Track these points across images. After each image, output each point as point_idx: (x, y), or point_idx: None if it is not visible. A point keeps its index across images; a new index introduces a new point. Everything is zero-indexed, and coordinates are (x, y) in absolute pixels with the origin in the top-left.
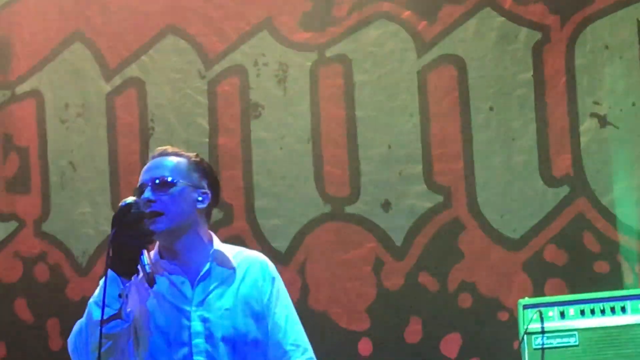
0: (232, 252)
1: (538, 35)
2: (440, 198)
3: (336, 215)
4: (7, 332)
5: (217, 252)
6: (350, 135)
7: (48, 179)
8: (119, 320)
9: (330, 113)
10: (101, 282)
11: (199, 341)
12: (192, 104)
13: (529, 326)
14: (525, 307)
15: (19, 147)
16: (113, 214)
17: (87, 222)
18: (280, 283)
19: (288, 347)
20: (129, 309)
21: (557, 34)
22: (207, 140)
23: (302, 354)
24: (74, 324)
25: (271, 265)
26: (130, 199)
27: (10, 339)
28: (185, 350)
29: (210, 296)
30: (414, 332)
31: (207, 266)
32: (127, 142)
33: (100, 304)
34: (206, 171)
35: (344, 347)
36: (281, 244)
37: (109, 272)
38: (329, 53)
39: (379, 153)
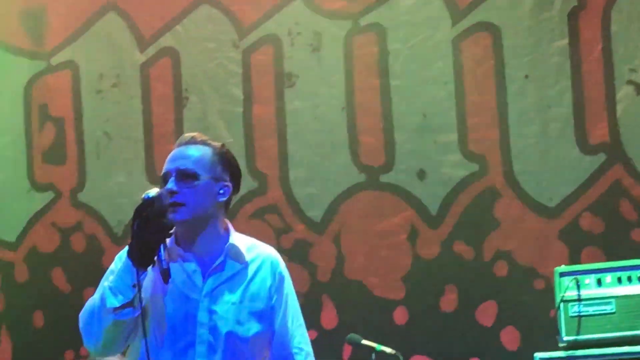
0: (246, 246)
1: (574, 2)
2: (475, 166)
3: (371, 184)
4: (45, 301)
5: (232, 246)
6: (385, 104)
7: (83, 149)
8: (130, 309)
9: (364, 82)
10: (112, 264)
11: (202, 331)
12: (226, 74)
13: (566, 294)
14: (562, 274)
15: (55, 118)
16: (148, 184)
17: (122, 191)
18: (289, 283)
19: (293, 350)
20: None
21: (593, 0)
22: (241, 109)
23: (305, 358)
24: None
25: (282, 264)
26: (154, 191)
27: (48, 308)
28: (188, 338)
29: (220, 289)
30: (449, 300)
31: (221, 259)
32: (161, 111)
33: (115, 290)
34: (230, 163)
35: (379, 315)
36: (316, 213)
37: (127, 261)
38: (363, 22)
39: (414, 122)
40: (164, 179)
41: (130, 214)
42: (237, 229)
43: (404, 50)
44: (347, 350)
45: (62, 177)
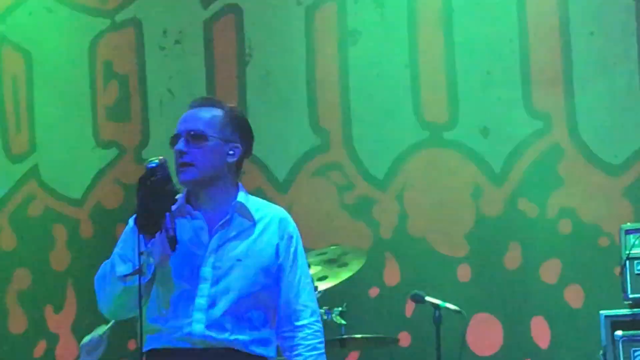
0: (256, 205)
1: None
2: (540, 124)
3: (434, 141)
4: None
5: (240, 204)
6: (449, 61)
7: (147, 106)
8: (138, 276)
9: (428, 38)
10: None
11: (204, 286)
12: (290, 31)
13: (631, 251)
14: (628, 232)
15: (119, 75)
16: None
17: None
18: (298, 241)
19: (298, 307)
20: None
21: None
22: (304, 67)
23: (311, 315)
24: None
25: (291, 224)
26: (157, 160)
27: None
28: (190, 292)
29: (225, 245)
30: (513, 258)
31: (228, 216)
32: (224, 68)
33: (124, 258)
34: (240, 124)
35: (442, 273)
36: (379, 171)
37: (134, 228)
38: None
39: (478, 78)
40: (174, 141)
41: None
42: (300, 187)
43: (468, 7)
44: (409, 307)
45: (126, 134)
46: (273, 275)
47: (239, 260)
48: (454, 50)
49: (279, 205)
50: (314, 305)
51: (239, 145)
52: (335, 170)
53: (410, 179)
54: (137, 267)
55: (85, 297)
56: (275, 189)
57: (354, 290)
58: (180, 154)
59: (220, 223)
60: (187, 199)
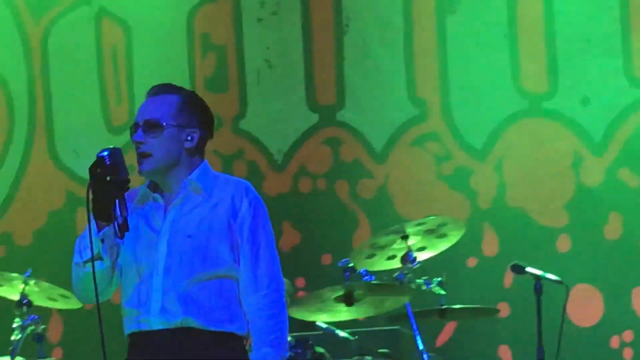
0: (212, 182)
1: None
2: None
3: (533, 110)
4: None
5: (190, 181)
6: (548, 30)
7: (244, 77)
8: (98, 261)
9: (527, 7)
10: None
11: (160, 266)
12: (387, 1)
13: None
14: None
15: (216, 46)
16: (308, 111)
17: (282, 118)
18: (256, 213)
19: (255, 279)
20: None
21: None
22: (402, 36)
23: (267, 286)
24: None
25: (249, 195)
26: (106, 150)
27: None
28: (149, 274)
29: (178, 223)
30: (613, 228)
31: (180, 194)
32: (321, 38)
33: (82, 246)
34: (198, 109)
35: (542, 243)
36: (477, 140)
37: (90, 216)
38: None
39: (578, 47)
40: (133, 131)
41: (291, 142)
42: (397, 157)
43: None
44: (508, 278)
45: (223, 105)
46: (227, 249)
47: (189, 236)
48: (553, 19)
49: (376, 175)
50: (272, 275)
51: (196, 130)
52: (432, 141)
53: (509, 148)
54: (91, 254)
55: None
56: (372, 159)
57: (452, 261)
58: (137, 144)
59: (173, 203)
60: (150, 185)
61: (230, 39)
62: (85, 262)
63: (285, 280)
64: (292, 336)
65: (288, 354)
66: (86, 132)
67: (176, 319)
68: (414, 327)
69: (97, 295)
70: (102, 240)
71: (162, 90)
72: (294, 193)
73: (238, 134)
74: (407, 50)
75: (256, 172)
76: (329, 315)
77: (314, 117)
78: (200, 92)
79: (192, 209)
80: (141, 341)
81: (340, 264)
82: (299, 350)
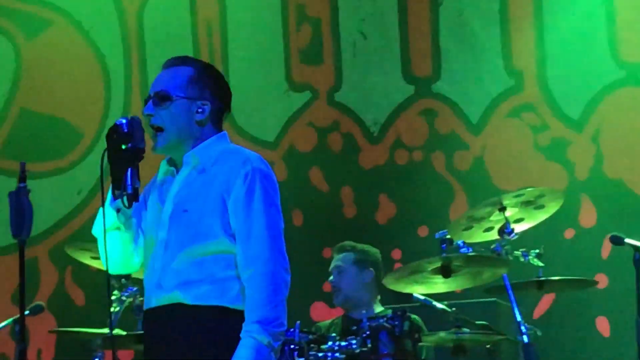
0: (215, 154)
1: None
2: None
3: (631, 80)
4: (303, 200)
5: (192, 155)
6: None
7: (340, 48)
8: (116, 231)
9: None
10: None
11: (162, 234)
12: None
13: None
14: None
15: (311, 18)
16: (404, 83)
17: (378, 90)
18: (254, 187)
19: (248, 256)
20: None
21: None
22: (497, 7)
23: (264, 264)
24: (366, 192)
25: (248, 168)
26: (126, 118)
27: (305, 206)
28: (155, 240)
29: (179, 198)
30: None
31: (183, 169)
32: (417, 10)
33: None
34: (212, 80)
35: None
36: (574, 111)
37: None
38: None
39: None
40: (145, 103)
41: (387, 114)
42: (493, 128)
43: None
44: (605, 249)
45: (319, 77)
46: (218, 224)
47: (184, 211)
48: None
49: (472, 147)
50: (264, 250)
51: (208, 102)
52: (529, 112)
53: (606, 119)
54: (112, 222)
55: None
56: (469, 130)
57: (549, 232)
58: (147, 117)
59: (176, 178)
60: (169, 159)
61: (325, 11)
62: (109, 228)
63: (374, 250)
64: (388, 308)
65: (280, 329)
66: None
67: (167, 294)
68: (512, 299)
69: (107, 264)
70: (118, 210)
71: (175, 62)
72: (390, 165)
73: (333, 106)
74: (503, 21)
75: (352, 145)
76: (426, 287)
77: (410, 89)
78: (295, 64)
79: (191, 183)
80: (145, 319)
81: (437, 236)
82: (396, 322)
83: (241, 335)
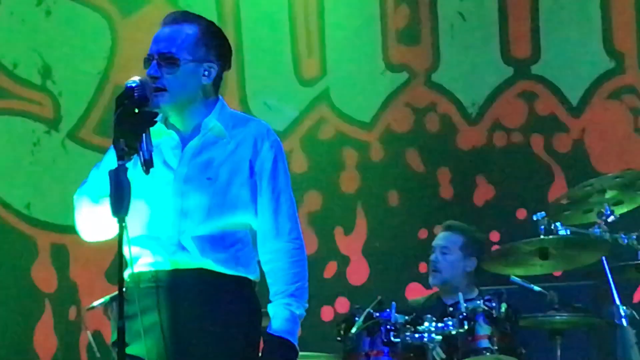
0: (232, 121)
1: None
2: None
3: None
4: (399, 181)
5: (211, 121)
6: None
7: (438, 29)
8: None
9: None
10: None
11: (176, 199)
12: None
13: None
14: None
15: None
16: (502, 64)
17: (476, 72)
18: (277, 157)
19: (275, 226)
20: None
21: None
22: None
23: (289, 233)
24: (464, 173)
25: (270, 137)
26: (135, 80)
27: (402, 187)
28: (162, 208)
29: (196, 164)
30: None
31: (199, 135)
32: None
33: (95, 181)
34: (216, 41)
35: None
36: None
37: (111, 150)
38: None
39: None
40: (145, 62)
41: (485, 95)
42: (593, 111)
43: None
44: None
45: (416, 58)
46: (247, 193)
47: (209, 179)
48: None
49: (572, 129)
50: (292, 223)
51: (214, 64)
52: (630, 94)
53: None
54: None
55: (376, 220)
56: (568, 113)
57: None
58: (152, 79)
59: (192, 142)
60: (164, 121)
61: None
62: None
63: (482, 237)
64: (486, 290)
65: (307, 303)
66: (277, 85)
67: (193, 261)
68: (611, 281)
69: (122, 228)
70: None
71: (179, 18)
72: (488, 147)
73: (431, 87)
74: (603, 2)
75: (449, 126)
76: (524, 269)
77: (509, 70)
78: (393, 44)
79: (212, 150)
80: (152, 280)
81: (535, 218)
82: (494, 304)
83: (274, 307)
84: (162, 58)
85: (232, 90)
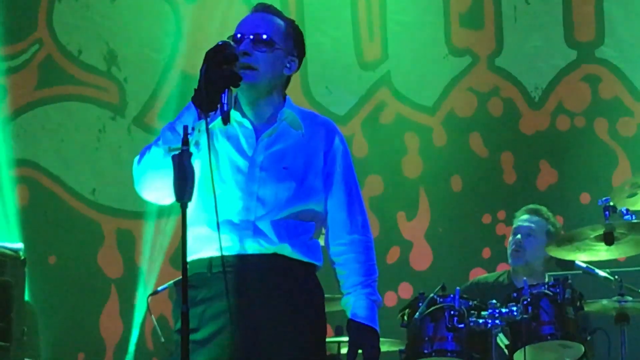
0: (303, 115)
1: None
2: None
3: None
4: (463, 165)
5: (287, 112)
6: None
7: (501, 13)
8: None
9: None
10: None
11: (252, 187)
12: None
13: None
14: None
15: None
16: (566, 48)
17: (539, 55)
18: (346, 152)
19: (350, 219)
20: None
21: None
22: None
23: (362, 226)
24: (527, 158)
25: (339, 132)
26: (226, 42)
27: (465, 172)
28: (236, 193)
29: (273, 153)
30: None
31: (276, 124)
32: None
33: (171, 129)
34: (300, 39)
35: None
36: None
37: (190, 104)
38: None
39: None
40: (237, 40)
41: (548, 79)
42: None
43: None
44: None
45: (479, 42)
46: (320, 184)
47: (285, 168)
48: None
49: (637, 113)
50: (364, 216)
51: (296, 59)
52: None
53: None
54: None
55: (439, 205)
56: (633, 97)
57: None
58: (244, 54)
59: (267, 132)
60: (235, 107)
61: None
62: (172, 149)
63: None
64: (550, 275)
65: None
66: (338, 68)
67: (271, 246)
68: None
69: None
70: (197, 129)
71: (270, 10)
72: (551, 131)
73: (494, 71)
74: None
75: (512, 110)
76: (588, 254)
77: (572, 54)
78: (455, 28)
79: (288, 140)
80: (225, 264)
81: (600, 203)
82: (558, 290)
83: (355, 297)
84: (257, 38)
85: (295, 75)
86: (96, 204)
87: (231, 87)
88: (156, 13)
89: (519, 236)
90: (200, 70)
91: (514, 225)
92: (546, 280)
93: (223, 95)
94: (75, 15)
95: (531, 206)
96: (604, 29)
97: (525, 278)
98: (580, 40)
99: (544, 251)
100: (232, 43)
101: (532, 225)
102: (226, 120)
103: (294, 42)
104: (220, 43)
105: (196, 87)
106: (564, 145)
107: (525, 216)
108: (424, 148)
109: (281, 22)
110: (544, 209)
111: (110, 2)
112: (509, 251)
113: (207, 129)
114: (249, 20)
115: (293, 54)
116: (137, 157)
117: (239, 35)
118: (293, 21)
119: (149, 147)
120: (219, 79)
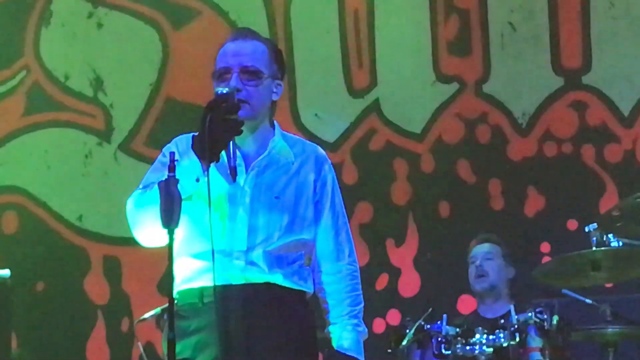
0: (292, 142)
1: None
2: None
3: None
4: (450, 192)
5: (277, 141)
6: None
7: (488, 39)
8: (188, 202)
9: None
10: (160, 156)
11: (242, 223)
12: None
13: None
14: None
15: (460, 9)
16: (553, 75)
17: (527, 82)
18: (334, 179)
19: (337, 247)
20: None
21: None
22: None
23: (349, 255)
24: (515, 184)
25: (327, 160)
26: (226, 88)
27: (452, 198)
28: (226, 223)
29: (263, 183)
30: None
31: (266, 153)
32: (567, 0)
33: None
34: (281, 58)
35: None
36: None
37: (192, 155)
38: None
39: None
40: (222, 74)
41: (535, 106)
42: None
43: None
44: None
45: (467, 69)
46: (311, 214)
47: (277, 197)
48: None
49: (623, 140)
50: (351, 245)
51: (281, 82)
52: None
53: None
54: (190, 194)
55: (426, 232)
56: (620, 123)
57: None
58: (236, 91)
59: (257, 160)
60: None
61: (474, 2)
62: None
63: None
64: (537, 302)
65: None
66: (327, 96)
67: (261, 275)
68: None
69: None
70: (197, 180)
71: (250, 35)
72: (538, 157)
73: (481, 97)
74: None
75: (500, 136)
76: (575, 281)
77: (560, 81)
78: (443, 55)
79: (278, 169)
80: (216, 294)
81: (587, 229)
82: (545, 317)
83: (341, 328)
84: (244, 71)
85: (284, 101)
86: (83, 230)
87: (234, 139)
88: (142, 39)
89: (478, 261)
90: (203, 119)
91: (470, 255)
92: (512, 307)
93: (229, 149)
94: (61, 41)
95: (482, 235)
96: (591, 56)
97: (491, 305)
98: (567, 67)
99: (505, 273)
100: (231, 90)
101: (488, 250)
102: (234, 175)
103: (277, 64)
104: (221, 93)
105: (196, 135)
106: (551, 172)
107: (478, 245)
108: (412, 174)
109: (263, 47)
110: (493, 235)
111: (96, 28)
112: (471, 280)
113: (208, 181)
114: (235, 51)
115: (278, 77)
116: (131, 201)
117: (226, 67)
118: (271, 41)
119: (144, 191)
120: (225, 131)
